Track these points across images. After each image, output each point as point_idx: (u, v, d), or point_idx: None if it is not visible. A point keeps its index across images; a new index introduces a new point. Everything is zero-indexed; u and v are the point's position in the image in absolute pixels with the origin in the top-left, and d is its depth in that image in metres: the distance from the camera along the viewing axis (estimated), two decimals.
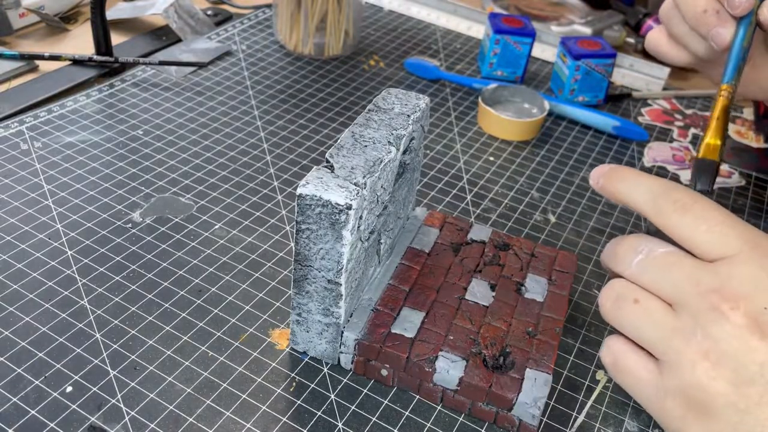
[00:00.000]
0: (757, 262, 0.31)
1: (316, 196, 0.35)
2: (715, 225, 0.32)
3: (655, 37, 0.52)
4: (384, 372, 0.40)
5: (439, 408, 0.40)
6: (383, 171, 0.38)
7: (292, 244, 0.51)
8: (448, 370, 0.39)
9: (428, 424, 0.39)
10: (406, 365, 0.40)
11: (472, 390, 0.39)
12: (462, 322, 0.42)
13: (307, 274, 0.38)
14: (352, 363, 0.41)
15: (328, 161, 0.37)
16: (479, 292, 0.44)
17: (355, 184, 0.36)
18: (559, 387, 0.43)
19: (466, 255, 0.47)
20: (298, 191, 0.35)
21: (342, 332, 0.40)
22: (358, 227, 0.37)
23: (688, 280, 0.32)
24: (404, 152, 0.42)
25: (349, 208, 0.35)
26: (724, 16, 0.45)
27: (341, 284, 0.38)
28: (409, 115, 0.42)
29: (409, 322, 0.41)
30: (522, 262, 0.47)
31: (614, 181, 0.36)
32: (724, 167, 0.67)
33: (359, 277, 0.41)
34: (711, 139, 0.41)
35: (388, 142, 0.39)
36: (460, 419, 0.40)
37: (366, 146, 0.39)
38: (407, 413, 0.40)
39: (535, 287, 0.45)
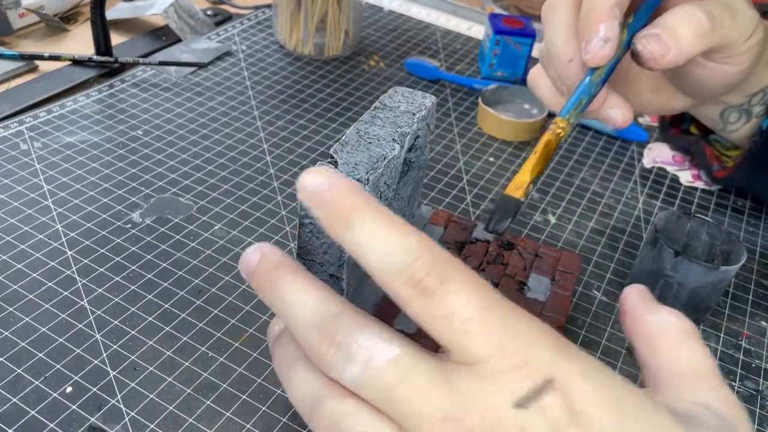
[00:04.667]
0: (502, 378, 0.23)
1: None
2: (464, 320, 0.23)
3: (535, 77, 0.44)
4: None
5: None
6: (387, 168, 0.38)
7: (292, 245, 0.51)
8: None
9: None
10: None
11: None
12: None
13: (309, 268, 0.38)
14: None
15: (332, 157, 0.37)
16: None
17: (358, 180, 0.36)
18: None
19: (469, 253, 0.47)
20: None
21: None
22: None
23: (420, 400, 0.23)
24: (409, 150, 0.42)
25: None
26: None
27: (343, 278, 0.38)
28: (414, 114, 0.42)
29: (409, 318, 0.41)
30: (525, 262, 0.47)
31: (340, 229, 0.25)
32: None
33: (362, 272, 0.41)
34: (522, 173, 0.36)
35: (393, 139, 0.39)
36: None
37: (370, 143, 0.39)
38: None
39: (538, 287, 0.45)
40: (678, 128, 0.67)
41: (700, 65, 0.42)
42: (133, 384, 0.39)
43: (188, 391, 0.39)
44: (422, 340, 0.40)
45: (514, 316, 0.24)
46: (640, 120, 0.73)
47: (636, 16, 0.38)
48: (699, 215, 0.49)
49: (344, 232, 0.25)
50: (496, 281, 0.45)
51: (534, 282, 0.46)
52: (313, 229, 0.36)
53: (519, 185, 0.36)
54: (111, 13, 0.77)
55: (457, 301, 0.23)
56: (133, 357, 0.41)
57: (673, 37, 0.36)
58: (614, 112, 0.39)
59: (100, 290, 0.45)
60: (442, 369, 0.24)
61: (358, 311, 0.26)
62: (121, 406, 0.38)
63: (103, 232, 0.49)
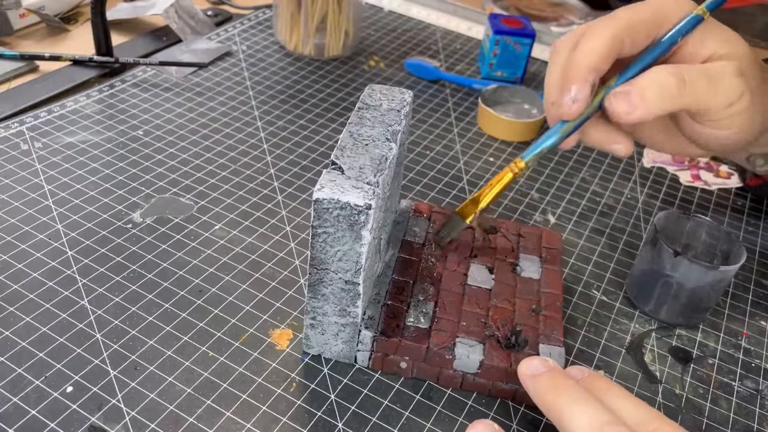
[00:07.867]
0: None
1: (334, 199, 0.35)
2: None
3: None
4: (403, 365, 0.41)
5: (438, 408, 0.40)
6: (389, 167, 0.38)
7: (293, 245, 0.51)
8: (468, 355, 0.40)
9: (428, 425, 0.39)
10: (426, 355, 0.40)
11: (493, 371, 0.40)
12: (470, 306, 0.43)
13: (323, 277, 0.38)
14: (369, 360, 0.41)
15: (335, 163, 0.37)
16: (479, 276, 0.45)
17: (368, 184, 0.36)
18: None
19: (458, 242, 0.48)
20: (315, 196, 0.35)
21: (360, 330, 0.40)
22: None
23: None
24: None
25: (369, 208, 0.35)
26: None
27: (359, 284, 0.38)
28: (399, 110, 0.42)
29: (421, 313, 0.42)
30: (512, 243, 0.48)
31: (548, 393, 0.34)
32: (724, 168, 0.67)
33: (371, 274, 0.41)
34: (481, 202, 0.43)
35: (386, 138, 0.40)
36: (460, 419, 0.40)
37: (367, 145, 0.39)
38: (407, 413, 0.40)
39: (530, 266, 0.47)
40: None
41: (690, 125, 0.43)
42: (133, 384, 0.39)
43: (188, 390, 0.39)
44: (438, 333, 0.41)
45: None
46: None
47: (619, 78, 0.41)
48: (699, 215, 0.49)
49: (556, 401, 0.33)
50: (490, 267, 0.46)
51: (525, 262, 0.47)
52: (326, 238, 0.36)
53: (469, 212, 0.43)
54: (111, 14, 0.78)
55: None
56: (133, 357, 0.41)
57: (640, 96, 0.39)
58: (616, 146, 0.43)
59: (100, 290, 0.45)
60: None
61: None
62: (122, 406, 0.38)
63: (104, 232, 0.50)
